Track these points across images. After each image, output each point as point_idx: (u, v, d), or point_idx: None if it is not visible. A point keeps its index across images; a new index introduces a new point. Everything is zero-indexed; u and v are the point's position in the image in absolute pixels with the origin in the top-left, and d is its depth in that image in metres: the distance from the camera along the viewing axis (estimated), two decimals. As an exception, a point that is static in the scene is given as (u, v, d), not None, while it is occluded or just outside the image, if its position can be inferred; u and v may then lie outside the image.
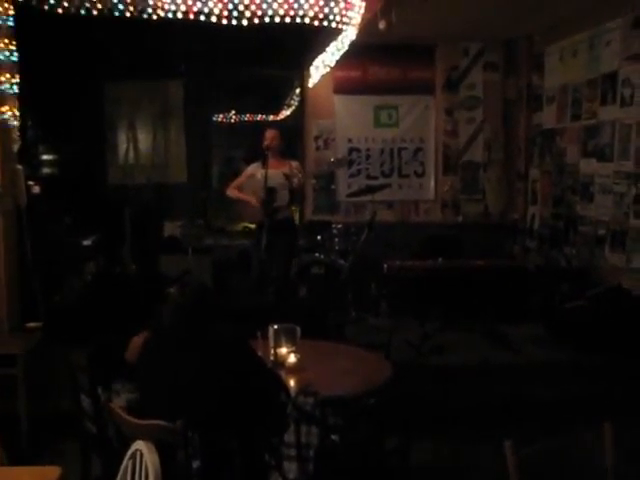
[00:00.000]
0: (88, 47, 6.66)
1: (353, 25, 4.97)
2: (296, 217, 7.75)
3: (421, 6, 6.07)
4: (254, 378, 2.84)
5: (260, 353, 3.29)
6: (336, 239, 6.41)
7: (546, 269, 6.70)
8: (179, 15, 4.58)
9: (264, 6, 4.59)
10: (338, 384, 3.20)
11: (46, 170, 6.14)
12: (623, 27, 5.87)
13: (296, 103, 8.21)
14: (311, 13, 4.68)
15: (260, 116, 10.04)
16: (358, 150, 7.71)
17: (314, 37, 6.34)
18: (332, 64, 6.43)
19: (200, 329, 2.83)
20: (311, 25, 4.91)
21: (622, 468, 2.46)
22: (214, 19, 4.60)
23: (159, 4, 4.51)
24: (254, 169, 5.73)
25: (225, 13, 4.58)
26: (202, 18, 4.59)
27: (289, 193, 5.56)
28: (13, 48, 4.47)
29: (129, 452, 2.27)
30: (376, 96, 7.66)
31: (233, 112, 9.86)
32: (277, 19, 4.66)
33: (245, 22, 4.62)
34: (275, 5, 4.60)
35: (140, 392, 2.90)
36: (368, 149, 7.72)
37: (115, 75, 7.13)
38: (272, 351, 3.39)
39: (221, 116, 9.74)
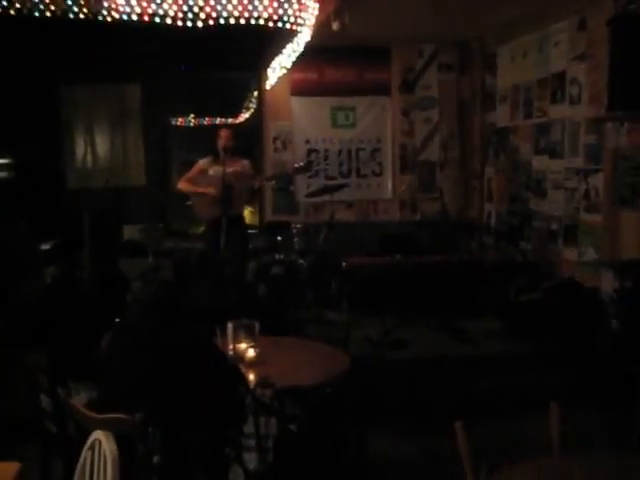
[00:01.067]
0: (44, 49, 6.61)
1: (307, 26, 5.05)
2: (255, 218, 7.83)
3: (374, 8, 6.22)
4: (214, 372, 2.88)
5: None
6: (295, 239, 6.47)
7: (502, 264, 6.85)
8: (134, 17, 4.60)
9: (218, 8, 4.64)
10: (296, 375, 3.26)
11: (5, 174, 6.06)
12: (569, 29, 6.06)
13: (254, 105, 8.26)
14: (265, 15, 4.73)
15: (219, 119, 10.07)
16: (316, 151, 7.80)
17: (270, 39, 6.41)
18: (288, 66, 6.49)
19: (161, 325, 2.86)
20: (266, 27, 4.98)
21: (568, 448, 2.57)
22: (169, 21, 4.63)
23: (113, 6, 4.52)
24: (205, 164, 5.75)
25: (180, 15, 4.62)
26: (157, 20, 4.61)
27: (247, 191, 5.61)
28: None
29: (88, 442, 2.29)
30: (333, 97, 7.77)
31: (192, 115, 9.88)
32: (232, 20, 4.70)
33: (200, 24, 4.66)
34: (229, 7, 4.65)
35: (101, 387, 2.92)
36: (326, 150, 7.81)
37: (71, 78, 7.08)
38: (231, 346, 3.44)
39: (180, 119, 9.75)
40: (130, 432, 2.58)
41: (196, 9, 4.61)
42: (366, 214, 7.91)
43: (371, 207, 7.95)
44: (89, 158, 7.39)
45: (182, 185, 5.80)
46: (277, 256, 6.36)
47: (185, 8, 4.60)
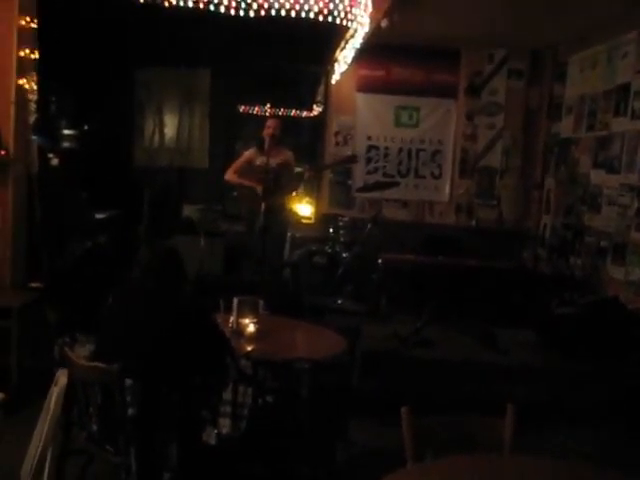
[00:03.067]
0: (122, 34, 7.01)
1: (359, 22, 5.13)
2: (312, 210, 7.96)
3: (446, 8, 6.23)
4: (201, 337, 3.04)
5: (220, 321, 3.52)
6: (341, 231, 6.58)
7: (549, 277, 6.73)
8: (189, 3, 4.83)
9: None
10: (286, 352, 3.38)
11: (69, 145, 6.48)
12: (638, 39, 5.88)
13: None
14: (316, 8, 4.85)
15: (294, 111, 10.28)
16: (377, 148, 7.86)
17: (336, 34, 6.53)
18: (349, 61, 6.60)
19: (160, 285, 3.04)
20: (334, 22, 5.10)
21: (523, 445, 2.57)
22: (222, 9, 4.83)
23: (171, -8, 4.76)
24: (252, 154, 5.94)
25: (233, 4, 4.81)
26: (211, 7, 4.83)
27: (294, 184, 5.76)
28: (34, 25, 4.79)
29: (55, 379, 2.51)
30: (398, 96, 7.80)
31: (268, 105, 10.12)
32: (283, 12, 4.85)
33: (252, 13, 4.83)
34: (281, -1, 4.80)
35: (98, 338, 3.14)
36: (387, 148, 7.86)
37: (146, 61, 7.47)
38: (232, 320, 3.60)
39: (256, 108, 10.02)
40: (109, 383, 2.78)
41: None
42: (421, 215, 7.92)
43: (427, 208, 7.95)
44: (156, 138, 7.76)
45: (229, 177, 6.04)
46: (320, 245, 6.49)
47: (239, -2, 4.78)
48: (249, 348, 3.18)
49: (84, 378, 2.88)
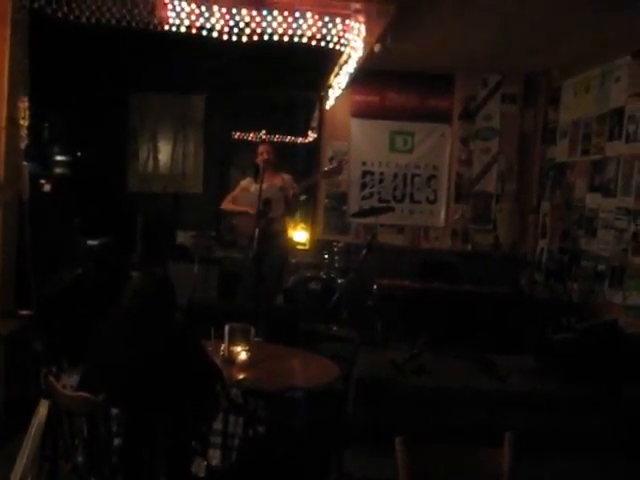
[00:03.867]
0: (116, 59, 7.01)
1: (353, 47, 5.13)
2: (306, 236, 7.91)
3: (440, 35, 6.26)
4: (193, 366, 2.96)
5: (211, 349, 3.45)
6: (336, 257, 6.52)
7: (546, 302, 6.66)
8: (182, 29, 4.83)
9: (264, 24, 4.80)
10: (279, 381, 3.29)
11: (61, 170, 6.45)
12: (631, 64, 5.89)
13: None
14: (309, 33, 4.86)
15: (289, 137, 10.29)
16: (372, 173, 7.84)
17: (330, 59, 6.55)
18: (343, 86, 6.60)
19: (150, 314, 2.97)
20: (327, 47, 5.10)
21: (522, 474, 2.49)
22: (215, 34, 4.83)
23: (164, 18, 4.76)
24: (247, 183, 5.94)
25: (226, 29, 4.81)
26: (204, 33, 4.83)
27: (284, 205, 5.72)
28: (25, 50, 4.78)
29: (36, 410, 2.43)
30: (393, 121, 7.80)
31: (264, 132, 10.13)
32: (276, 37, 4.86)
33: (245, 39, 4.83)
34: (274, 24, 4.80)
35: (84, 368, 3.06)
36: (382, 173, 7.84)
37: (140, 87, 7.47)
38: (223, 347, 3.53)
39: (252, 134, 10.02)
40: (95, 413, 2.70)
41: (242, 25, 4.78)
42: (417, 240, 7.87)
43: (422, 234, 7.90)
44: (150, 164, 7.74)
45: (225, 205, 6.03)
46: (315, 272, 6.43)
47: (232, 23, 4.78)
48: (240, 376, 3.10)
49: (69, 408, 2.80)
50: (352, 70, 5.97)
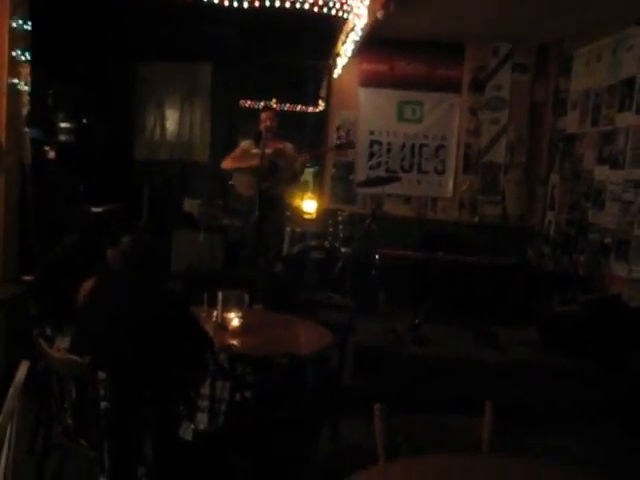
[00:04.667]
0: (124, 28, 6.98)
1: (355, 14, 5.06)
2: (315, 206, 7.88)
3: (451, 2, 6.15)
4: (182, 331, 2.98)
5: (203, 315, 3.47)
6: (340, 226, 6.50)
7: (552, 275, 6.62)
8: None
9: (264, -10, 4.74)
10: (267, 347, 3.31)
11: (65, 138, 6.46)
12: (644, 32, 5.76)
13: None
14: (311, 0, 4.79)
15: (300, 106, 10.22)
16: (379, 143, 7.77)
17: (337, 27, 6.47)
18: (350, 55, 6.52)
19: (137, 278, 2.99)
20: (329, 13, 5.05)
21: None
22: (216, 0, 4.79)
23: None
24: (248, 145, 5.88)
25: (227, -5, 4.76)
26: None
27: (287, 171, 5.69)
28: (27, 17, 4.76)
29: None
30: (401, 91, 7.70)
31: (274, 100, 10.07)
32: (277, 3, 4.80)
33: (246, 4, 4.78)
34: (276, -11, 4.75)
35: (74, 331, 3.09)
36: (389, 143, 7.77)
37: (147, 55, 7.44)
38: (217, 314, 3.54)
39: (262, 103, 9.97)
40: (82, 375, 2.73)
41: (243, -10, 4.73)
42: (424, 211, 7.82)
43: (430, 204, 7.85)
44: (157, 132, 7.73)
45: (226, 163, 5.97)
46: (319, 240, 6.42)
47: (233, -12, 4.73)
48: (230, 342, 3.11)
49: (58, 371, 2.84)
50: (358, 38, 5.89)
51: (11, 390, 2.10)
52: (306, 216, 7.83)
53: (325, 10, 4.87)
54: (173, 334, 2.92)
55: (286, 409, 3.07)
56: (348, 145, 6.09)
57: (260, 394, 2.97)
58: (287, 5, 4.79)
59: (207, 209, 7.47)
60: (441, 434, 2.53)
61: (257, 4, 4.77)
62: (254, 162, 5.57)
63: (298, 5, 4.80)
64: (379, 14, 4.91)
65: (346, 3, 4.87)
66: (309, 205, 8.03)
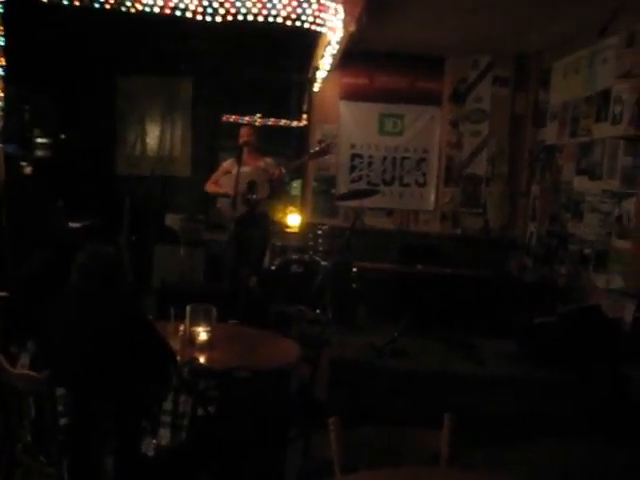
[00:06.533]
0: (104, 42, 6.99)
1: (330, 27, 5.08)
2: (299, 220, 7.86)
3: (429, 16, 6.18)
4: (142, 346, 2.95)
5: (171, 330, 3.44)
6: (320, 240, 6.49)
7: (532, 286, 6.62)
8: (156, 10, 4.81)
9: (238, 4, 4.76)
10: (230, 361, 3.27)
11: (42, 153, 6.44)
12: (618, 45, 5.79)
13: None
14: (284, 13, 4.82)
15: (284, 121, 10.23)
16: (360, 156, 7.78)
17: (316, 40, 6.49)
18: (328, 69, 6.54)
19: (93, 292, 2.95)
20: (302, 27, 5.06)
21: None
22: (189, 15, 4.80)
23: (137, -2, 4.74)
24: (229, 165, 5.90)
25: (200, 9, 4.78)
26: (178, 14, 4.79)
27: (268, 188, 5.69)
28: (1, 33, 4.76)
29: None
30: (382, 104, 7.72)
31: (259, 115, 10.08)
32: (250, 17, 4.82)
33: (219, 19, 4.80)
34: (248, 4, 4.77)
35: (36, 346, 3.06)
36: (371, 156, 7.78)
37: (128, 70, 7.44)
38: (183, 328, 3.51)
39: (246, 118, 9.98)
40: (40, 391, 2.70)
41: (215, 4, 4.75)
42: (406, 224, 7.82)
43: (412, 217, 7.85)
44: (138, 146, 7.73)
45: (209, 187, 6.02)
46: (299, 254, 6.41)
47: (205, 3, 4.75)
48: (194, 356, 3.09)
49: (16, 386, 2.81)
50: (335, 51, 5.91)
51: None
52: (289, 230, 7.83)
53: (298, 24, 4.89)
54: (130, 348, 2.89)
55: (250, 424, 3.04)
56: (324, 151, 6.07)
57: (223, 409, 2.94)
58: (260, 19, 4.81)
59: (188, 224, 7.45)
60: (396, 447, 2.50)
61: (230, 18, 4.79)
62: (230, 190, 5.57)
63: (271, 19, 4.81)
64: (351, 27, 4.94)
65: (319, 17, 4.88)
66: (292, 219, 8.03)
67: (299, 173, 7.60)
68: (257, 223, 5.81)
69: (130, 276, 5.97)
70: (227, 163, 6.04)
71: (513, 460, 4.50)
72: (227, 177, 5.94)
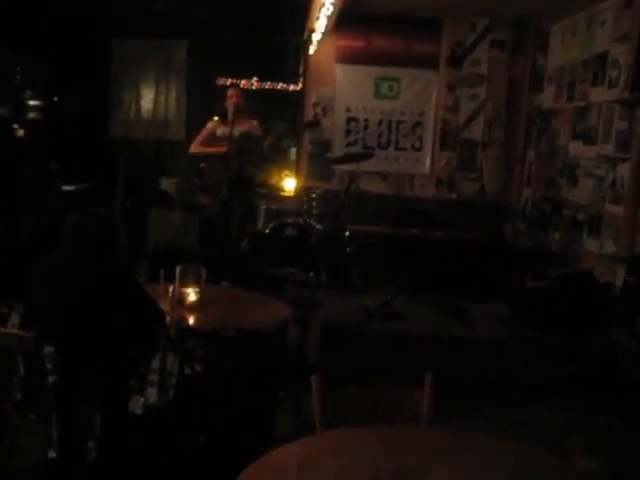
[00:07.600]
0: (98, 4, 6.91)
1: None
2: (294, 183, 7.86)
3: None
4: (130, 306, 2.98)
5: (161, 292, 3.46)
6: (314, 204, 6.48)
7: (526, 251, 6.63)
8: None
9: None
10: (218, 321, 3.30)
11: (34, 115, 6.39)
12: (616, 6, 5.72)
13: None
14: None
15: (281, 84, 10.15)
16: (356, 120, 7.73)
17: (310, 1, 6.41)
18: (323, 30, 6.47)
19: (82, 253, 2.96)
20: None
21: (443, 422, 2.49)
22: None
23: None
24: (214, 125, 5.85)
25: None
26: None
27: (254, 150, 5.67)
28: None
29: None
30: (378, 67, 7.63)
31: (255, 79, 9.99)
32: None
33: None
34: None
35: (25, 307, 3.08)
36: (366, 120, 7.72)
37: (122, 33, 7.36)
38: (171, 288, 3.53)
39: (243, 82, 9.89)
40: (27, 349, 2.74)
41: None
42: (401, 188, 7.80)
43: (407, 181, 7.82)
44: (133, 109, 7.68)
45: (194, 148, 5.96)
46: (293, 217, 6.42)
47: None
48: (182, 317, 3.12)
49: (4, 345, 2.84)
50: (330, 13, 5.84)
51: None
52: (284, 193, 7.83)
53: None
54: (118, 308, 2.91)
55: (238, 384, 3.08)
56: (314, 123, 6.05)
57: (210, 368, 2.97)
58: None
59: (183, 187, 7.44)
60: (377, 406, 2.54)
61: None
62: (222, 149, 5.54)
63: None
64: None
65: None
66: (288, 183, 8.03)
67: (295, 139, 7.56)
68: (241, 185, 5.79)
69: (124, 239, 5.99)
70: (212, 123, 5.98)
71: (502, 421, 4.59)
72: (213, 138, 5.88)
